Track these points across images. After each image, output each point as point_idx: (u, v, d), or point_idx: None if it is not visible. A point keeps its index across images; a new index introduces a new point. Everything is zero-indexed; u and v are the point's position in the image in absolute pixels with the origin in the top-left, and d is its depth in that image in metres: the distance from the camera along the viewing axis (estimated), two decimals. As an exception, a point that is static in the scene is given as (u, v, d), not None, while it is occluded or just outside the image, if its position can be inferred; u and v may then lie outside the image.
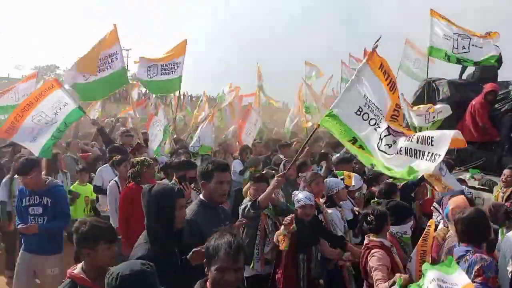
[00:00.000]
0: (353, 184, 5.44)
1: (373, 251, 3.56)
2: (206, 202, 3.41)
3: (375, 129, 3.92)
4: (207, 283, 2.30)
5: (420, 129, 7.20)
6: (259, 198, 4.11)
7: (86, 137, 9.17)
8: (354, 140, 3.96)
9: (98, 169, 6.76)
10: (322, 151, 7.94)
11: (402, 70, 12.55)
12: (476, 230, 3.30)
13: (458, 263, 3.12)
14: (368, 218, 3.71)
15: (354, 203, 5.50)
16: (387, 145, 3.81)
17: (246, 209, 4.22)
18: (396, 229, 3.98)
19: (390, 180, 5.34)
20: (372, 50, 4.02)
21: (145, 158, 5.55)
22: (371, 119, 3.97)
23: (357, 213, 5.21)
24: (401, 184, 5.54)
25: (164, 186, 3.15)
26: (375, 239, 3.65)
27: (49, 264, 4.54)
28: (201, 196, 3.49)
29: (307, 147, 6.03)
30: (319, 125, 4.26)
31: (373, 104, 3.97)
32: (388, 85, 4.01)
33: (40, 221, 4.52)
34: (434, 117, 7.57)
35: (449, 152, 7.94)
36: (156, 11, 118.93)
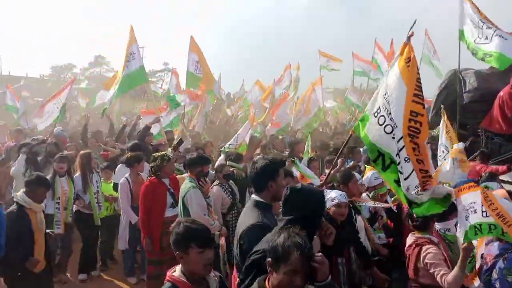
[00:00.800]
0: (361, 180, 5.16)
1: (425, 247, 3.43)
2: (264, 202, 3.11)
3: (392, 138, 3.34)
4: (267, 282, 2.22)
5: None
6: None
7: (95, 136, 9.14)
8: (380, 156, 3.42)
9: (118, 167, 6.77)
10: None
11: (424, 62, 12.30)
12: None
13: (495, 262, 3.06)
14: (414, 215, 3.56)
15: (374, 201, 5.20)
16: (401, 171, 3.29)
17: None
18: (440, 226, 3.86)
19: None
20: (406, 40, 3.40)
21: (165, 153, 5.71)
22: (386, 125, 3.39)
23: (373, 211, 5.02)
24: None
25: (312, 186, 3.08)
26: (421, 236, 3.52)
27: None
28: (256, 197, 3.15)
29: (342, 156, 5.83)
30: (353, 131, 3.81)
31: (388, 105, 3.38)
32: (410, 84, 3.28)
33: None
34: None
35: (477, 143, 7.86)
36: (156, 11, 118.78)
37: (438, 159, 6.19)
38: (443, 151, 6.12)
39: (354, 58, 15.14)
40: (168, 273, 2.54)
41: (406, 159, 3.20)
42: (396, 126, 3.28)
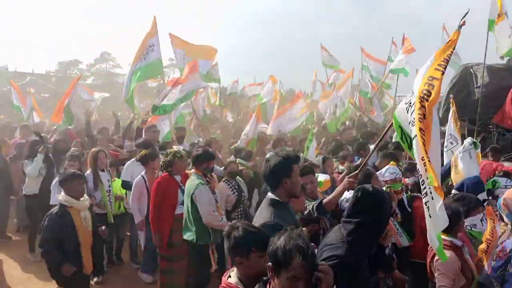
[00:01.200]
0: None
1: None
2: (279, 200, 3.07)
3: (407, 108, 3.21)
4: (269, 287, 2.09)
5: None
6: (324, 201, 3.73)
7: (101, 133, 9.10)
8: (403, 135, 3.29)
9: (126, 164, 6.62)
10: (361, 140, 7.72)
11: None
12: None
13: (510, 256, 3.05)
14: None
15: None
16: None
17: (306, 212, 3.82)
18: (466, 223, 3.69)
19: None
20: (458, 29, 3.23)
21: (178, 150, 5.66)
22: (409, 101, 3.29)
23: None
24: None
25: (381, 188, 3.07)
26: (445, 237, 3.38)
27: None
28: (271, 195, 3.12)
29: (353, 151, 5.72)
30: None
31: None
32: (439, 56, 3.17)
33: None
34: None
35: (489, 139, 7.76)
36: (156, 11, 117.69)
37: (444, 150, 6.11)
38: (451, 143, 6.03)
39: (363, 53, 14.99)
40: (223, 279, 2.44)
41: (412, 122, 3.06)
42: (413, 93, 3.14)
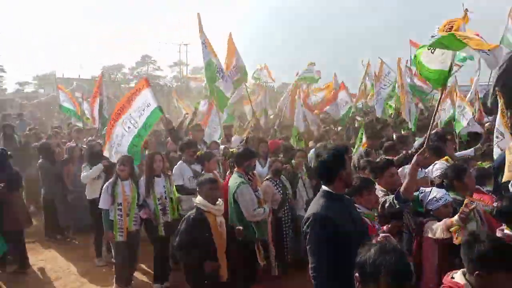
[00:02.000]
0: (425, 172, 4.72)
1: None
2: (333, 193, 3.03)
3: None
4: None
5: None
6: (401, 189, 3.59)
7: (153, 135, 9.25)
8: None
9: (175, 167, 6.35)
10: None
11: (504, 44, 11.41)
12: None
13: None
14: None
15: None
16: None
17: (387, 205, 3.69)
18: None
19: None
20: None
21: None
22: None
23: None
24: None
25: None
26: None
27: None
28: (325, 187, 3.08)
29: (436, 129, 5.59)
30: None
31: None
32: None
33: None
34: None
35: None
36: (156, 11, 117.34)
37: (493, 144, 5.85)
38: (497, 137, 5.75)
39: (411, 45, 14.43)
40: (447, 279, 2.34)
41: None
42: None
